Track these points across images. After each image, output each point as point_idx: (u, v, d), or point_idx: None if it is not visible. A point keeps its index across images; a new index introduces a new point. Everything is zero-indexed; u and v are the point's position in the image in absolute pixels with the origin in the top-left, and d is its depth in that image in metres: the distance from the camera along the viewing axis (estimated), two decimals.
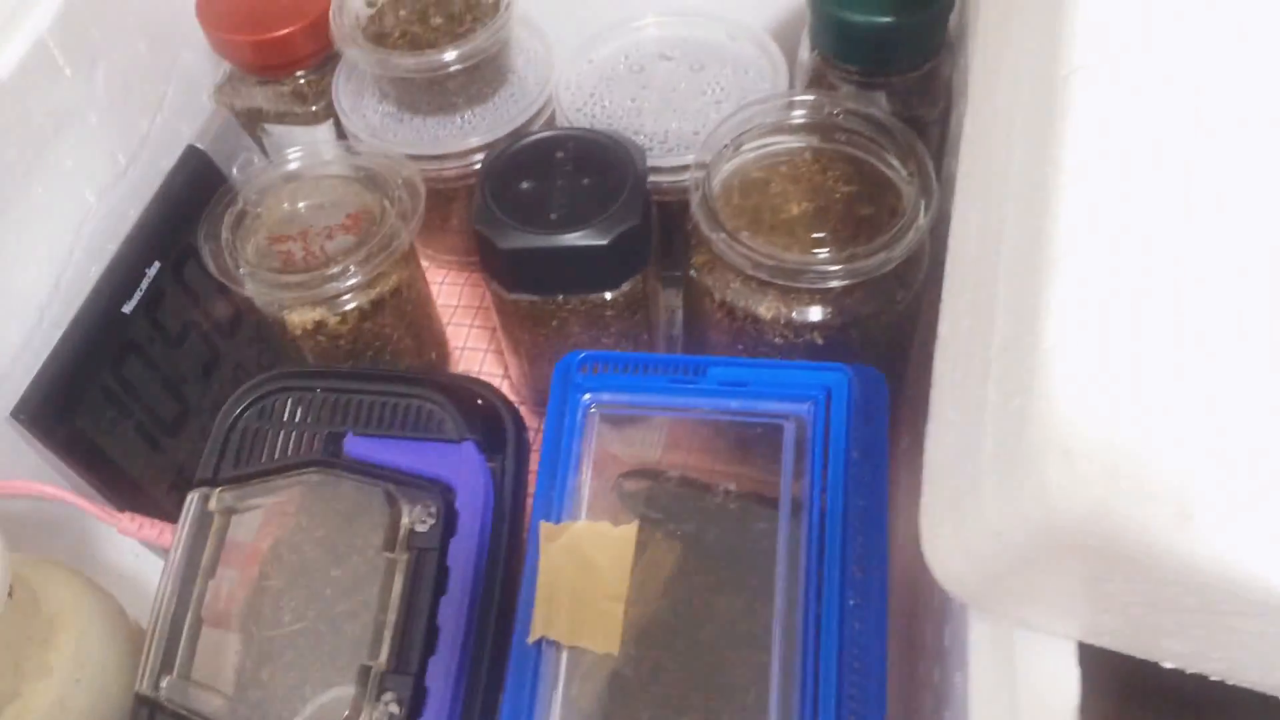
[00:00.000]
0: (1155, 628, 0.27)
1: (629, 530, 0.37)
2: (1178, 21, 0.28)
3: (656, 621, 0.39)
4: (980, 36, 0.36)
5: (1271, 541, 0.23)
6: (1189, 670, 0.29)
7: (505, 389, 0.57)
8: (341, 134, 0.58)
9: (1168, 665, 0.29)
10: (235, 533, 0.41)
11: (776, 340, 0.45)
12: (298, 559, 0.41)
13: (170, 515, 0.51)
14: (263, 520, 0.42)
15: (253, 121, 0.60)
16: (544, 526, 0.37)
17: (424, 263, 0.63)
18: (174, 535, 0.40)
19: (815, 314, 0.44)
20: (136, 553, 0.54)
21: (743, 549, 0.40)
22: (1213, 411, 0.24)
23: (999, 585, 0.27)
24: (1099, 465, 0.23)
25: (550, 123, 0.57)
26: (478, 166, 0.56)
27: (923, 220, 0.44)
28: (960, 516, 0.27)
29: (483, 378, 0.58)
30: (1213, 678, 0.29)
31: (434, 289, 0.62)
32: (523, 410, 0.56)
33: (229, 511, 0.41)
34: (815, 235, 0.45)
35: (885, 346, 0.47)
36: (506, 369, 0.58)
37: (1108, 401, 0.24)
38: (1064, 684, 0.29)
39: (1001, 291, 0.28)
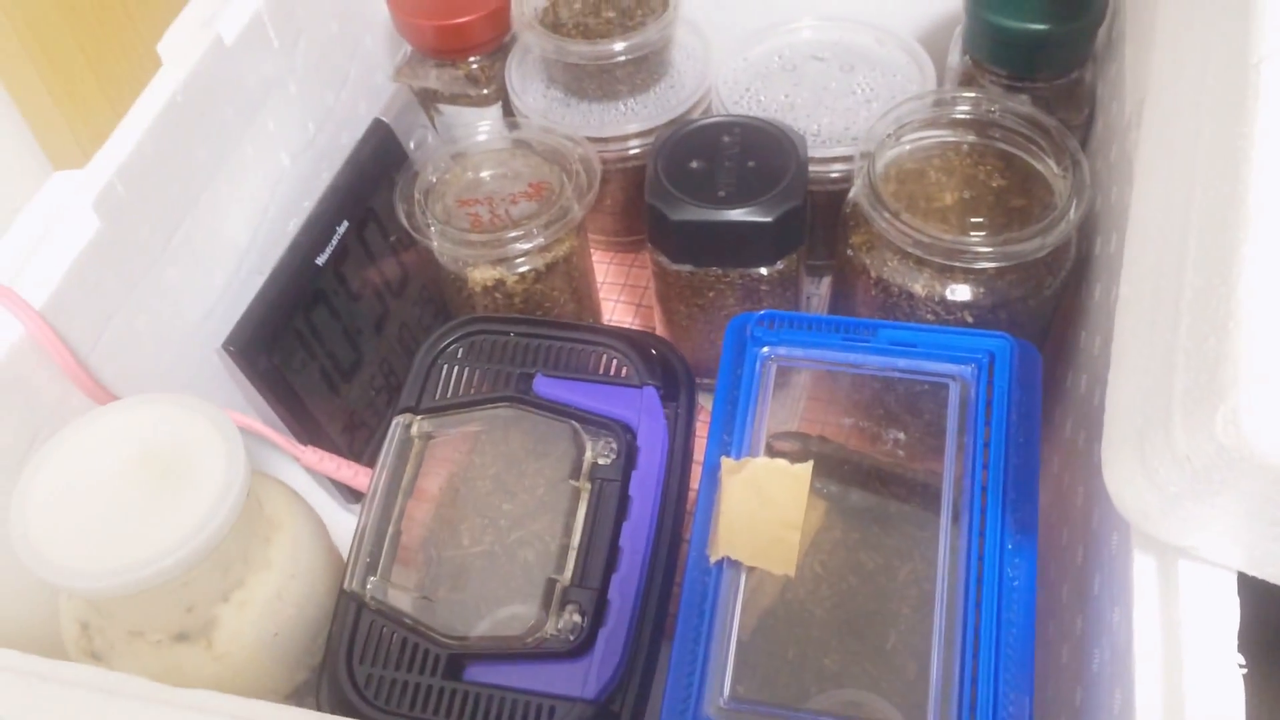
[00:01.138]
0: None
1: (805, 468, 0.40)
2: None
3: (822, 569, 0.42)
4: (1159, 31, 0.39)
5: None
6: None
7: None
8: (509, 117, 0.63)
9: None
10: (433, 456, 0.45)
11: (928, 317, 0.48)
12: (492, 484, 0.45)
13: (342, 454, 0.55)
14: (460, 447, 0.45)
15: (427, 101, 0.64)
16: (725, 462, 0.40)
17: None
18: (379, 457, 0.44)
19: (966, 293, 0.47)
20: (304, 488, 0.59)
21: (905, 512, 0.42)
22: None
23: (1178, 510, 0.30)
24: None
25: (707, 114, 0.60)
26: (634, 151, 0.60)
27: (1074, 214, 0.47)
28: (1148, 446, 0.30)
29: None
30: None
31: None
32: None
33: (428, 437, 0.45)
34: (972, 220, 0.48)
35: (1029, 330, 0.50)
36: None
37: None
38: (1226, 612, 0.32)
39: (1191, 252, 0.31)
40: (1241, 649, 0.31)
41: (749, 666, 0.38)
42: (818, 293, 0.63)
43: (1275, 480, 0.27)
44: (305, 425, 0.55)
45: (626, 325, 0.63)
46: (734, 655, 0.38)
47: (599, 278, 0.66)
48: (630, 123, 0.60)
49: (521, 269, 0.53)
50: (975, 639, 0.37)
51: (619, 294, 0.65)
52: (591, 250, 0.67)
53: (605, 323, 0.63)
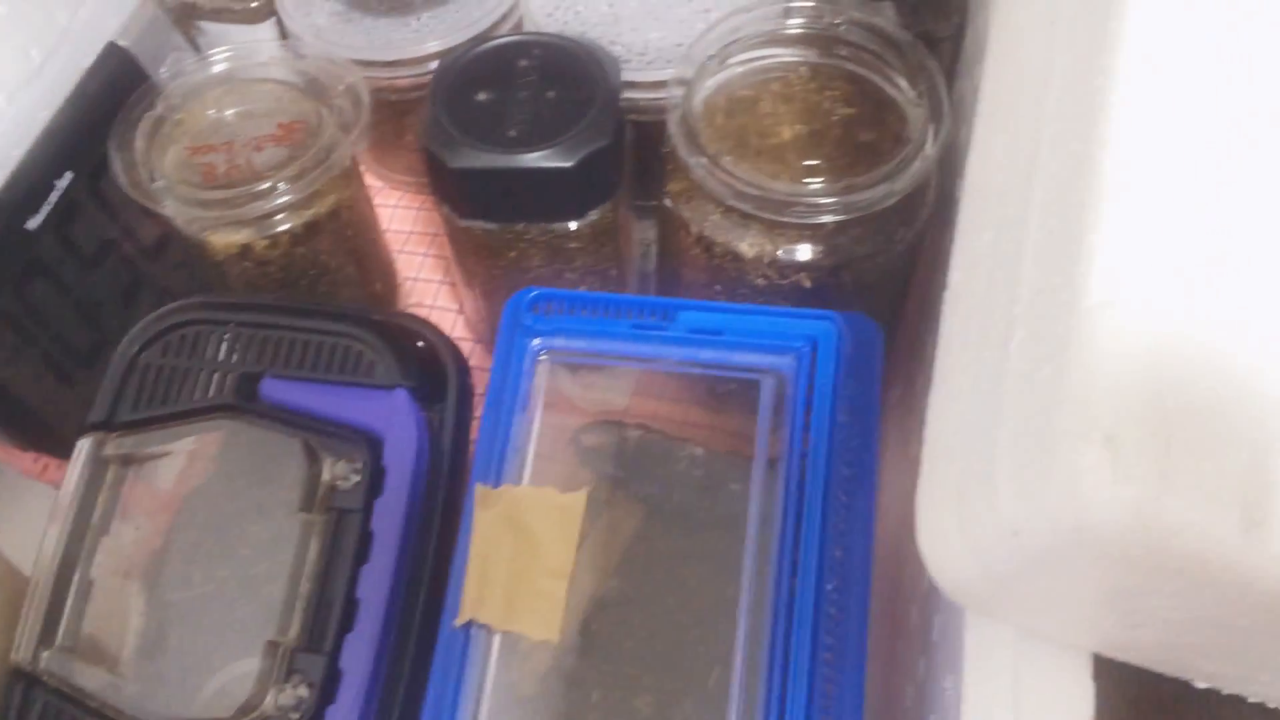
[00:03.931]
0: (1196, 647, 0.22)
1: (576, 499, 0.32)
2: None
3: (613, 592, 0.35)
4: None
5: None
6: (1226, 691, 0.24)
7: (460, 326, 0.52)
8: (285, 34, 0.52)
9: (1201, 685, 0.24)
10: (134, 484, 0.36)
11: (759, 281, 0.40)
12: (208, 514, 0.36)
13: None
14: (168, 470, 0.37)
15: (185, 18, 0.53)
16: (479, 490, 0.32)
17: (376, 184, 0.58)
18: (63, 486, 0.35)
19: (804, 253, 0.39)
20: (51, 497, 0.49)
21: (712, 516, 0.36)
22: None
23: (1009, 590, 0.22)
24: (1149, 457, 0.19)
25: (516, 29, 0.50)
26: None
27: (930, 148, 0.38)
28: (967, 509, 0.22)
29: (436, 312, 0.53)
30: (1252, 700, 0.24)
31: (386, 213, 0.56)
32: (478, 350, 0.51)
33: (127, 460, 0.36)
34: (808, 163, 0.39)
35: (880, 291, 0.42)
36: (462, 304, 0.52)
37: (1164, 376, 0.19)
38: (1077, 702, 0.24)
39: (1033, 233, 0.23)
40: None
41: None
42: (657, 240, 0.54)
43: (1135, 569, 0.20)
44: (25, 427, 0.45)
45: (435, 284, 0.54)
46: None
47: (405, 227, 0.56)
48: (427, 40, 0.50)
49: (276, 230, 0.43)
50: (783, 686, 0.30)
51: (429, 246, 0.55)
52: (396, 195, 0.57)
53: (404, 285, 0.53)
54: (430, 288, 0.54)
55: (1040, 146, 0.23)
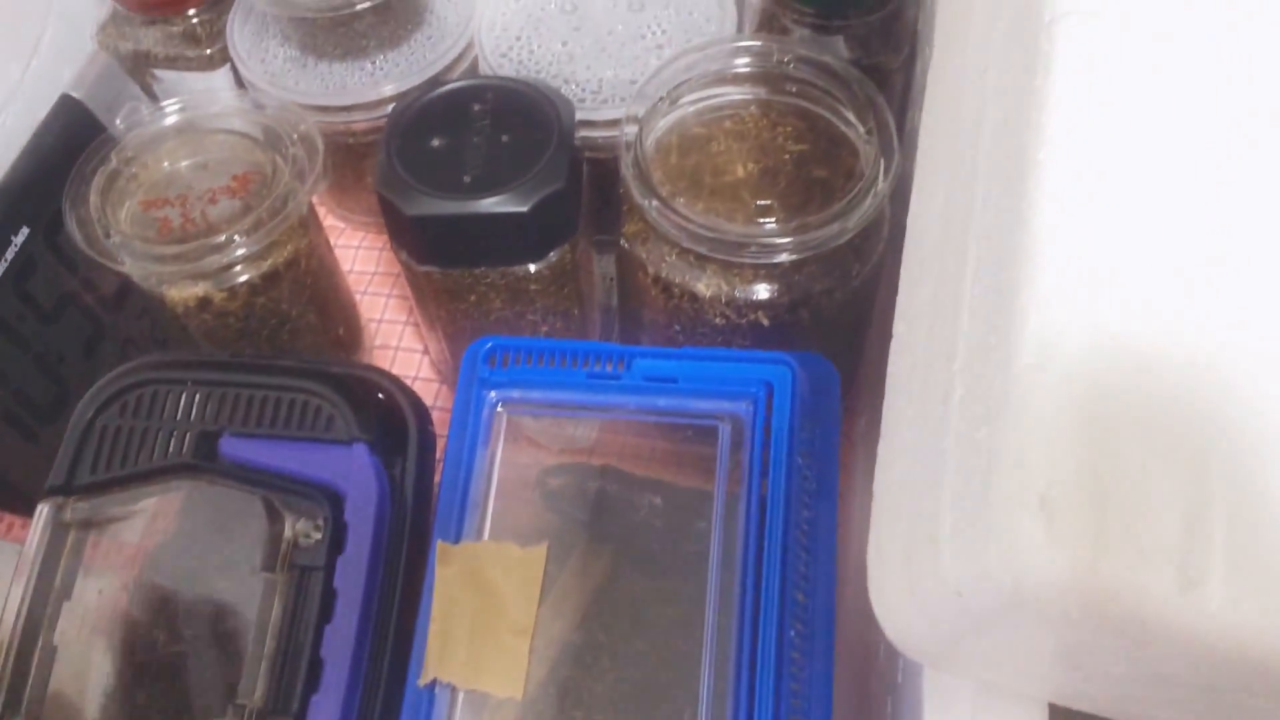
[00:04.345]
0: (1147, 699, 0.22)
1: (536, 553, 0.32)
2: None
3: (582, 638, 0.35)
4: None
5: None
6: None
7: (425, 366, 0.52)
8: (241, 81, 0.52)
9: None
10: (96, 546, 0.36)
11: (717, 321, 0.40)
12: (171, 575, 0.36)
13: None
14: (130, 532, 0.36)
15: (141, 67, 0.53)
16: (439, 547, 0.32)
17: (339, 226, 0.58)
18: (22, 552, 0.35)
19: (761, 292, 0.39)
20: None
21: (677, 560, 0.36)
22: (1214, 452, 0.19)
23: (958, 648, 0.22)
24: (1084, 519, 0.19)
25: (472, 69, 0.51)
26: None
27: (882, 184, 0.38)
28: (915, 569, 0.22)
29: (402, 353, 0.53)
30: None
31: (348, 254, 0.56)
32: (444, 390, 0.51)
33: (87, 524, 0.36)
34: (761, 202, 0.39)
35: (839, 325, 0.42)
36: (426, 345, 0.52)
37: (1097, 437, 0.19)
38: None
39: (968, 289, 0.23)
40: None
41: None
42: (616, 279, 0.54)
43: (1076, 629, 0.20)
44: None
45: (400, 325, 0.54)
46: None
47: (368, 268, 0.56)
48: (382, 84, 0.50)
49: (234, 282, 0.43)
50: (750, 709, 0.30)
51: (392, 287, 0.55)
52: (359, 236, 0.57)
53: (369, 327, 0.53)
54: (395, 329, 0.54)
55: (974, 201, 0.24)
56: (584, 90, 0.48)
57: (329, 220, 0.58)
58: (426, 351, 0.53)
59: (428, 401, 0.51)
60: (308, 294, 0.46)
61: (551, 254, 0.43)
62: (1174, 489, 0.19)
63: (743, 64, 0.42)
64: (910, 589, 0.22)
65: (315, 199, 0.57)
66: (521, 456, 0.37)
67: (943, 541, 0.21)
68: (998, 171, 0.23)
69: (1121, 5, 0.23)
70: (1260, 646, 0.19)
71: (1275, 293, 0.20)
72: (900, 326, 0.26)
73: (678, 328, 0.41)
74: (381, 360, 0.53)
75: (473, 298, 0.44)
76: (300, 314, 0.46)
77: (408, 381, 0.51)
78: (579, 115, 0.45)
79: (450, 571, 0.31)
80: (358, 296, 0.53)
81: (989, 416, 0.20)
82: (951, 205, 0.25)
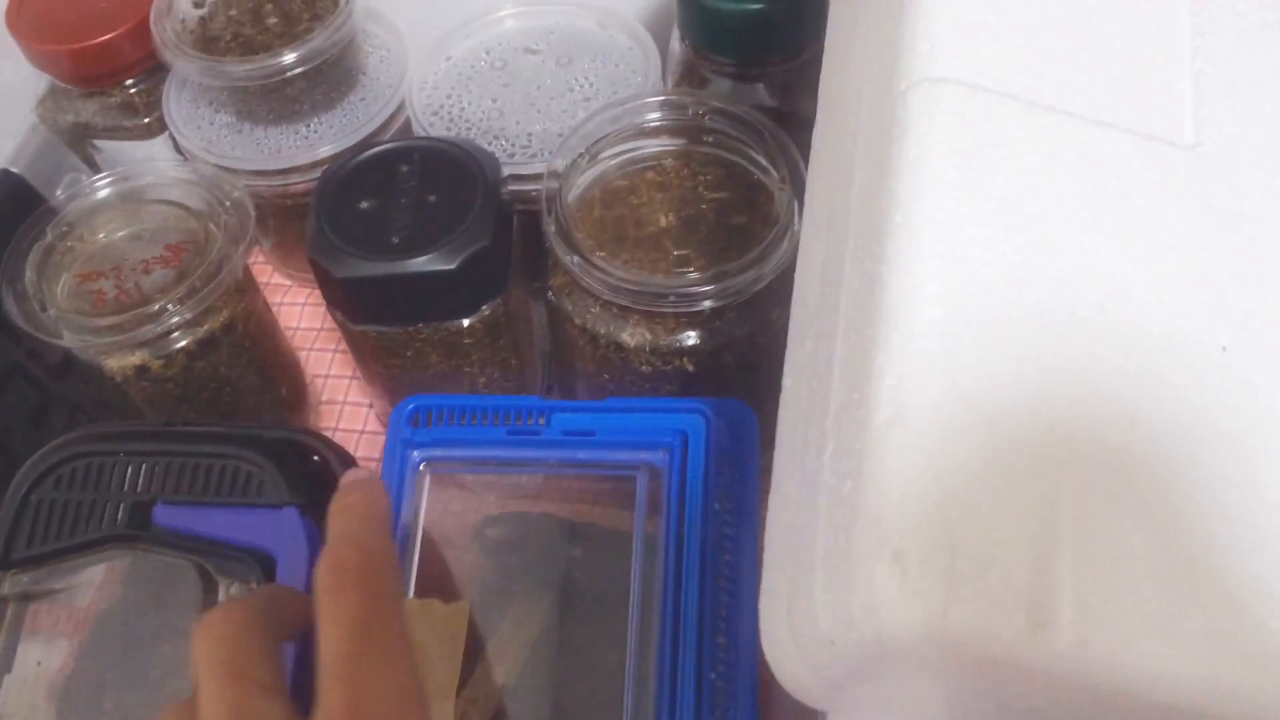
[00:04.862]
0: None
1: (460, 608, 0.32)
2: (1030, 30, 0.24)
3: (521, 683, 0.36)
4: (829, 34, 0.32)
5: (1138, 650, 0.20)
6: None
7: (371, 420, 0.53)
8: (180, 148, 0.53)
9: None
10: (35, 617, 0.37)
11: (643, 369, 0.41)
12: (115, 640, 0.37)
13: None
14: (68, 601, 0.37)
15: (81, 138, 0.54)
16: None
17: (285, 283, 0.58)
18: None
19: (686, 340, 0.40)
20: None
21: (606, 604, 0.36)
22: (1060, 500, 0.20)
23: (845, 695, 0.23)
24: (935, 569, 0.20)
25: (405, 129, 0.52)
26: None
27: (797, 227, 0.40)
28: (795, 617, 0.23)
29: (349, 407, 0.54)
30: None
31: (294, 311, 0.57)
32: None
33: (25, 597, 0.36)
34: (681, 252, 0.41)
35: (765, 369, 0.43)
36: (371, 399, 0.53)
37: (948, 489, 0.20)
38: None
39: (839, 348, 0.24)
40: None
41: None
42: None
43: (939, 673, 0.21)
44: None
45: (347, 380, 0.55)
46: None
47: (314, 324, 0.57)
48: (317, 146, 0.51)
49: (171, 349, 0.43)
50: None
51: (339, 343, 0.56)
52: (305, 293, 0.58)
53: (316, 382, 0.54)
54: (341, 384, 0.55)
55: (845, 260, 0.25)
56: (514, 145, 0.49)
57: (275, 278, 0.58)
58: (372, 405, 0.53)
59: (374, 454, 0.52)
60: (247, 356, 0.46)
61: (484, 308, 0.44)
62: (1022, 535, 0.20)
63: (661, 117, 0.43)
64: (793, 637, 0.23)
65: (259, 258, 0.59)
66: (455, 510, 0.38)
67: (816, 593, 0.22)
68: (863, 233, 0.24)
69: (970, 71, 0.24)
70: (1112, 682, 0.20)
71: (1115, 348, 0.21)
72: (788, 381, 0.27)
73: (607, 376, 0.42)
74: (328, 415, 0.54)
75: (409, 354, 0.45)
76: (240, 376, 0.47)
77: (354, 435, 0.53)
78: (510, 170, 0.46)
79: None
80: (303, 353, 0.54)
81: (852, 472, 0.21)
82: (828, 263, 0.26)
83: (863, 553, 0.20)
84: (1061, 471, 0.21)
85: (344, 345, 0.56)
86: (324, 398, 0.54)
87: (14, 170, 0.50)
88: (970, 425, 0.21)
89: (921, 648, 0.20)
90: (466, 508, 0.38)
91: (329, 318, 0.56)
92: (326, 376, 0.55)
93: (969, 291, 0.22)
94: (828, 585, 0.21)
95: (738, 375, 0.42)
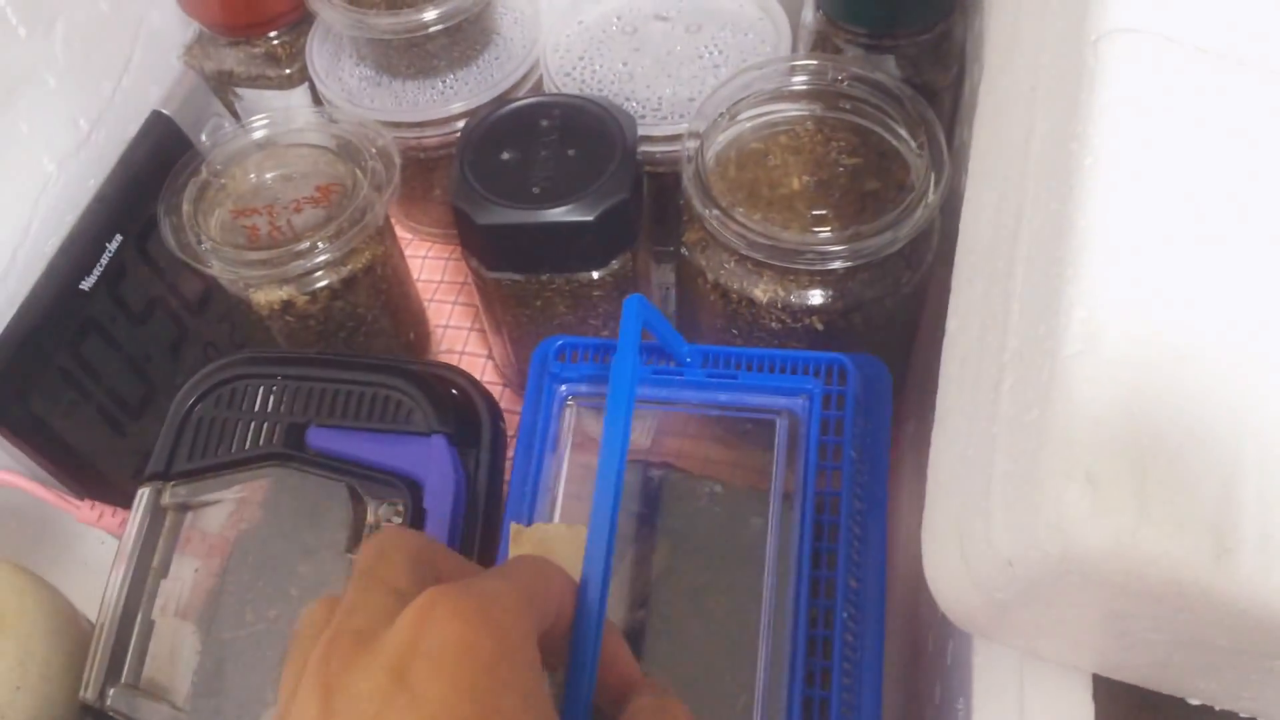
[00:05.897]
0: (1184, 666, 0.24)
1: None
2: None
3: (640, 623, 0.37)
4: None
5: None
6: (1219, 707, 0.26)
7: (489, 370, 0.55)
8: (318, 99, 0.55)
9: (1194, 702, 0.26)
10: (192, 528, 0.39)
11: (773, 325, 0.42)
12: (259, 557, 0.39)
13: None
14: (222, 515, 0.39)
15: (224, 85, 0.56)
16: (512, 528, 0.34)
17: (407, 236, 0.60)
18: (124, 533, 0.38)
19: (815, 298, 0.41)
20: (105, 542, 0.52)
21: (734, 550, 0.37)
22: (1246, 435, 0.21)
23: (1008, 617, 0.24)
24: (1126, 491, 0.20)
25: (537, 88, 0.53)
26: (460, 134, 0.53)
27: (932, 196, 0.40)
28: (967, 541, 0.24)
29: (467, 357, 0.56)
30: (1243, 715, 0.26)
31: (416, 264, 0.59)
32: (507, 393, 0.54)
33: (183, 507, 0.39)
34: (816, 212, 0.41)
35: (890, 331, 0.44)
36: (491, 349, 0.55)
37: (1138, 418, 0.21)
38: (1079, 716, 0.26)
39: (1019, 286, 0.25)
40: None
41: None
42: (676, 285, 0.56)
43: (1119, 595, 0.21)
44: (82, 477, 0.48)
45: (465, 331, 0.56)
46: None
47: (435, 276, 0.59)
48: (452, 101, 0.52)
49: (315, 286, 0.45)
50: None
51: (458, 294, 0.58)
52: (426, 246, 0.60)
53: (436, 332, 0.56)
54: (460, 334, 0.56)
55: (1024, 205, 0.25)
56: (644, 107, 0.51)
57: (399, 231, 0.60)
58: (491, 356, 0.55)
59: None
60: (382, 299, 0.48)
61: (614, 261, 0.46)
62: (1209, 468, 0.21)
63: (799, 81, 0.44)
64: (963, 561, 0.24)
65: (388, 214, 0.60)
66: (588, 451, 0.39)
67: (995, 515, 0.23)
68: (1046, 179, 0.25)
69: (1163, 22, 0.25)
70: None
71: None
72: (953, 323, 0.28)
73: (735, 331, 0.43)
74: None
75: (538, 303, 0.47)
76: (375, 318, 0.48)
77: None
78: (639, 131, 0.48)
79: (522, 551, 0.33)
80: (425, 303, 0.56)
81: (1037, 401, 0.22)
82: (1002, 211, 0.27)
83: (1052, 473, 0.21)
84: (1247, 410, 0.21)
85: (464, 297, 0.58)
86: (443, 347, 0.56)
87: (164, 112, 0.52)
88: (1159, 360, 0.21)
89: (1107, 567, 0.21)
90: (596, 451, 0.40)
91: (449, 270, 0.58)
92: (446, 327, 0.57)
93: (1158, 234, 0.23)
94: (1008, 507, 0.22)
95: (864, 337, 0.42)
